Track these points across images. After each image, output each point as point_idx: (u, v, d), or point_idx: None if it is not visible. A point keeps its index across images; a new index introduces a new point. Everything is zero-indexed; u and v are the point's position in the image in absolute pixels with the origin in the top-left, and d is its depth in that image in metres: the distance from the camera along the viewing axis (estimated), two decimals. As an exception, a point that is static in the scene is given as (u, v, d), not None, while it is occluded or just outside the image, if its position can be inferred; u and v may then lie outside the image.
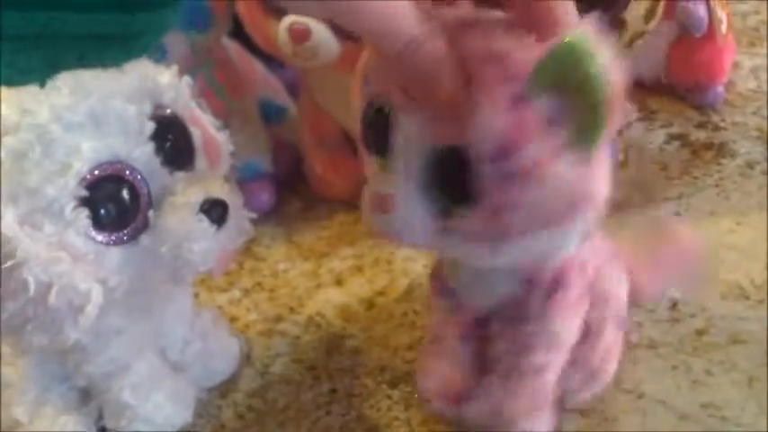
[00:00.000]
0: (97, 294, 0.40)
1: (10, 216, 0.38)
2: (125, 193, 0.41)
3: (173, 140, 0.44)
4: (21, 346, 0.47)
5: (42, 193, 0.38)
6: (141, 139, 0.42)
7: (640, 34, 0.63)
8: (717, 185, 0.69)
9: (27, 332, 0.40)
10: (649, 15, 0.62)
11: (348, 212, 0.75)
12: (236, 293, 0.67)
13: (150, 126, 0.42)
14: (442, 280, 0.51)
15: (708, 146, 0.72)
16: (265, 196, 0.75)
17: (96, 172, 0.40)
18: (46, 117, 0.40)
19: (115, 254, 0.41)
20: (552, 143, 0.36)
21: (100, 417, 0.52)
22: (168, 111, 0.44)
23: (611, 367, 0.51)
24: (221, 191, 0.45)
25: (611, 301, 0.50)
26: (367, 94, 0.43)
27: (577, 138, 0.37)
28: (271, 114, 0.79)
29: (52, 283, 0.38)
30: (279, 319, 0.65)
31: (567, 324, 0.47)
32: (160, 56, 0.64)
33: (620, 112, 0.36)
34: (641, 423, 0.52)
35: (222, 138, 0.49)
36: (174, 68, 0.47)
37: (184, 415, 0.54)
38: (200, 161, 0.46)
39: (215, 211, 0.43)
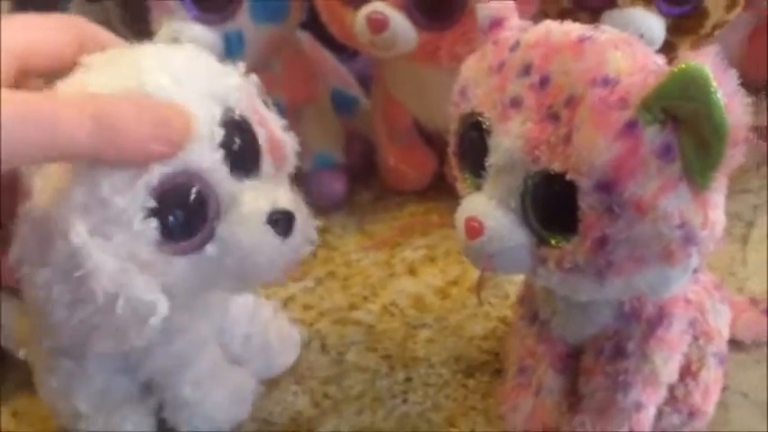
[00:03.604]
0: (162, 305, 0.40)
1: (82, 227, 0.38)
2: (193, 204, 0.40)
3: (241, 146, 0.43)
4: (83, 349, 0.47)
5: (113, 203, 0.38)
6: (211, 146, 0.41)
7: (722, 24, 0.62)
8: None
9: (93, 339, 0.41)
10: (731, 5, 0.61)
11: (419, 203, 0.76)
12: (310, 283, 0.68)
13: (219, 133, 0.41)
14: (532, 307, 0.49)
15: (786, 138, 0.71)
16: (337, 186, 0.75)
17: (165, 183, 0.39)
18: None
19: (181, 264, 0.41)
20: (664, 174, 0.34)
21: (160, 409, 0.53)
22: (236, 114, 0.43)
23: (711, 406, 0.49)
24: (288, 200, 0.44)
25: (713, 337, 0.48)
26: (464, 107, 0.42)
27: (692, 169, 0.35)
28: (342, 105, 0.80)
29: (119, 294, 0.39)
30: (352, 307, 0.65)
31: (667, 361, 0.45)
32: (238, 48, 0.66)
33: (740, 146, 0.34)
34: (724, 416, 0.51)
35: (288, 138, 0.48)
36: (242, 66, 0.46)
37: (242, 411, 0.54)
38: (266, 163, 0.45)
39: (282, 222, 0.42)
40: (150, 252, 0.39)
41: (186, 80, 0.41)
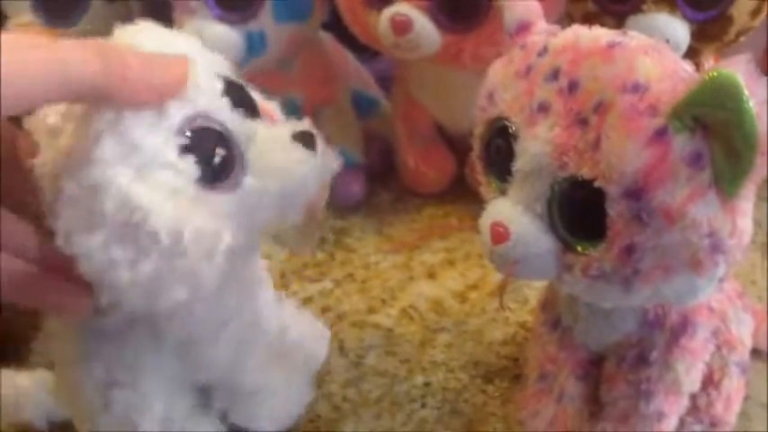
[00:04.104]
0: (227, 233, 0.39)
1: (123, 176, 0.38)
2: (220, 142, 0.40)
3: (242, 96, 0.43)
4: (146, 347, 0.47)
5: (146, 145, 0.38)
6: (216, 95, 0.41)
7: (746, 30, 0.62)
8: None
9: (164, 291, 0.39)
10: (756, 11, 0.61)
11: (438, 206, 0.75)
12: (328, 284, 0.68)
13: (220, 83, 0.42)
14: (555, 313, 0.49)
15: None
16: (356, 187, 0.75)
17: (188, 123, 0.39)
18: None
19: (225, 202, 0.40)
20: (693, 182, 0.34)
21: (224, 418, 0.52)
22: (226, 74, 0.44)
23: (733, 416, 0.49)
24: (305, 124, 0.44)
25: (735, 346, 0.47)
26: (490, 111, 0.41)
27: (722, 177, 0.34)
28: (362, 106, 0.79)
29: (183, 228, 0.38)
30: (371, 310, 0.65)
31: (689, 370, 0.44)
32: (260, 47, 0.66)
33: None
34: (744, 426, 0.51)
35: (275, 107, 0.48)
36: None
37: (304, 396, 0.55)
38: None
39: (306, 138, 0.43)
40: (194, 191, 0.39)
41: (182, 47, 0.42)
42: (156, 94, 0.38)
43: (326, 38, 0.78)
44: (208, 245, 0.39)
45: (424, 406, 0.56)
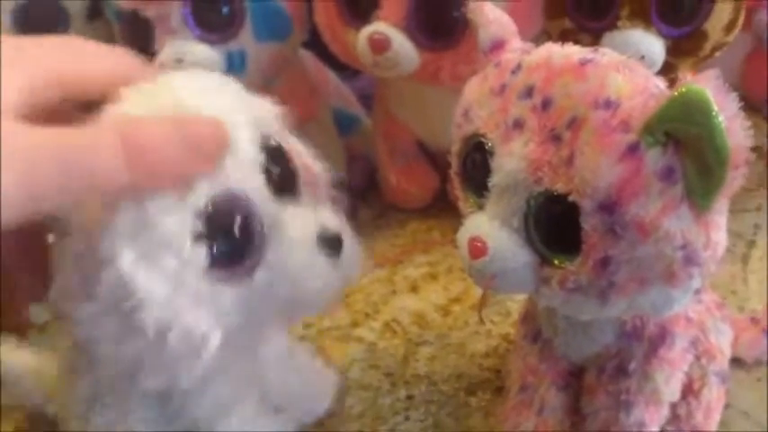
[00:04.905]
0: (215, 337, 0.38)
1: (129, 254, 0.36)
2: (239, 227, 0.38)
3: (280, 171, 0.41)
4: (128, 389, 0.45)
5: (161, 226, 0.36)
6: (254, 169, 0.39)
7: (721, 45, 0.63)
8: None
9: (141, 374, 0.39)
10: (730, 26, 0.62)
11: (421, 221, 0.76)
12: (311, 300, 0.68)
13: (261, 156, 0.39)
14: (535, 326, 0.49)
15: (784, 157, 0.71)
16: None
17: (211, 206, 0.37)
18: None
19: (231, 294, 0.39)
20: (666, 196, 0.35)
21: None
22: (272, 140, 0.41)
23: (713, 425, 0.49)
24: (335, 222, 0.42)
25: (715, 356, 0.48)
26: (466, 128, 0.42)
27: (694, 191, 0.35)
28: (343, 124, 0.80)
29: (171, 325, 0.37)
30: (354, 324, 0.65)
31: (669, 380, 0.45)
32: (240, 67, 0.66)
33: (741, 169, 0.34)
34: (724, 434, 0.51)
35: (319, 166, 0.46)
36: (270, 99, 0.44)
37: None
38: (304, 191, 0.44)
39: (331, 244, 0.41)
40: (200, 280, 0.37)
41: (224, 104, 0.40)
42: (186, 177, 0.36)
43: (307, 56, 0.78)
44: (193, 345, 0.38)
45: (407, 419, 0.56)
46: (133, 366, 0.39)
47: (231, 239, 0.38)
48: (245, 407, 0.49)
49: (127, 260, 0.36)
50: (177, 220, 0.36)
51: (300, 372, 0.55)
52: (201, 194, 0.37)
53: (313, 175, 0.45)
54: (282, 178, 0.41)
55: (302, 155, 0.45)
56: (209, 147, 0.37)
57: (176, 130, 0.35)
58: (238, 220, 0.38)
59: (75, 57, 0.37)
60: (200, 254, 0.37)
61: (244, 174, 0.38)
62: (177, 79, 0.40)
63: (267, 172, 0.40)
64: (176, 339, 0.37)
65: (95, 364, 0.41)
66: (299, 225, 0.40)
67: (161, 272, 0.36)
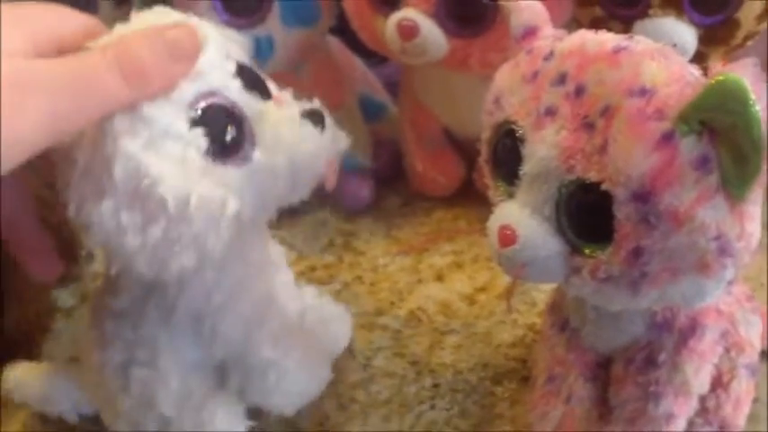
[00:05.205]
0: (233, 201, 0.41)
1: (132, 144, 0.39)
2: (230, 119, 0.42)
3: (252, 77, 0.45)
4: (158, 329, 0.48)
5: (157, 119, 0.39)
6: (228, 74, 0.43)
7: (753, 34, 0.62)
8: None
9: (173, 257, 0.41)
10: (763, 15, 0.61)
11: (447, 209, 0.76)
12: (337, 286, 0.68)
13: (232, 65, 0.43)
14: (562, 316, 0.49)
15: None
16: (364, 191, 0.76)
17: (200, 98, 0.41)
18: None
19: (234, 174, 0.42)
20: (701, 186, 0.34)
21: (240, 395, 0.52)
22: (240, 58, 0.45)
23: (742, 418, 0.49)
24: (312, 104, 0.46)
25: (744, 348, 0.47)
26: (498, 116, 0.41)
27: (729, 181, 0.35)
28: (370, 111, 0.80)
29: (189, 195, 0.39)
30: (380, 312, 0.65)
31: (698, 372, 0.45)
32: (267, 52, 0.66)
33: None
34: (753, 428, 0.51)
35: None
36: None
37: (323, 373, 0.55)
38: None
39: (315, 116, 0.44)
40: (205, 164, 0.41)
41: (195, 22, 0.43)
42: (171, 82, 0.40)
43: (334, 42, 0.78)
44: (214, 212, 0.40)
45: (432, 407, 0.56)
46: (162, 250, 0.41)
47: (224, 128, 0.42)
48: (275, 317, 0.52)
49: (134, 149, 0.39)
50: (171, 112, 0.40)
51: (313, 306, 0.59)
52: (188, 90, 0.41)
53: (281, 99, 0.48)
54: (255, 84, 0.44)
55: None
56: (187, 47, 0.40)
57: (157, 36, 0.39)
58: (226, 110, 0.42)
59: (62, 17, 0.40)
60: (199, 137, 0.40)
61: (220, 75, 0.42)
62: (149, 14, 0.44)
63: (241, 77, 0.43)
64: (197, 207, 0.40)
65: (124, 279, 0.45)
66: (285, 108, 0.44)
67: (166, 155, 0.40)
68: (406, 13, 0.61)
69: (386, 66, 0.83)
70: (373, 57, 0.79)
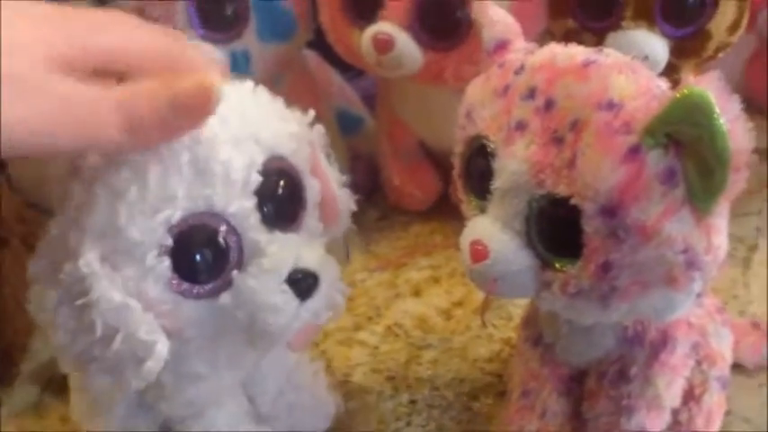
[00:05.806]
0: (162, 349, 0.38)
1: (93, 254, 0.37)
2: (213, 248, 0.39)
3: (281, 196, 0.41)
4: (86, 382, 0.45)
5: (127, 234, 0.37)
6: (244, 192, 0.39)
7: (725, 46, 0.62)
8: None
9: (91, 371, 0.39)
10: (734, 27, 0.61)
11: (423, 223, 0.76)
12: (314, 302, 0.67)
13: (256, 179, 0.39)
14: (536, 330, 0.49)
15: (788, 160, 0.71)
16: (341, 206, 0.75)
17: (187, 221, 0.38)
18: (147, 158, 0.38)
19: (191, 307, 0.39)
20: (667, 199, 0.34)
21: None
22: (285, 163, 0.41)
23: (714, 431, 0.49)
24: (315, 260, 0.41)
25: (716, 361, 0.47)
26: (469, 130, 0.41)
27: (695, 194, 0.35)
28: (347, 124, 0.80)
29: (118, 330, 0.37)
30: (357, 328, 0.65)
31: (670, 385, 0.45)
32: (244, 67, 0.66)
33: (742, 171, 0.34)
34: (728, 440, 0.51)
35: (344, 195, 0.47)
36: (311, 115, 0.45)
37: None
38: (311, 218, 0.43)
39: (303, 283, 0.40)
40: (159, 291, 0.38)
41: (232, 119, 0.40)
42: (172, 135, 0.38)
43: (311, 56, 0.78)
44: (138, 353, 0.38)
45: (409, 424, 0.56)
46: (84, 361, 0.39)
47: (201, 259, 0.39)
48: (221, 414, 0.48)
49: (89, 259, 0.37)
50: (146, 230, 0.37)
51: (299, 388, 0.53)
52: (180, 207, 0.38)
53: (332, 202, 0.45)
54: (282, 203, 0.41)
55: (329, 178, 0.45)
56: (194, 108, 0.37)
57: (164, 91, 0.37)
58: (212, 240, 0.39)
59: (124, 32, 0.39)
60: (164, 265, 0.38)
61: (230, 195, 0.39)
62: None
63: (264, 195, 0.40)
64: (121, 344, 0.37)
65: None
66: (275, 256, 0.40)
67: (120, 277, 0.37)
68: (382, 27, 0.61)
69: (363, 79, 0.83)
70: (350, 70, 0.79)
